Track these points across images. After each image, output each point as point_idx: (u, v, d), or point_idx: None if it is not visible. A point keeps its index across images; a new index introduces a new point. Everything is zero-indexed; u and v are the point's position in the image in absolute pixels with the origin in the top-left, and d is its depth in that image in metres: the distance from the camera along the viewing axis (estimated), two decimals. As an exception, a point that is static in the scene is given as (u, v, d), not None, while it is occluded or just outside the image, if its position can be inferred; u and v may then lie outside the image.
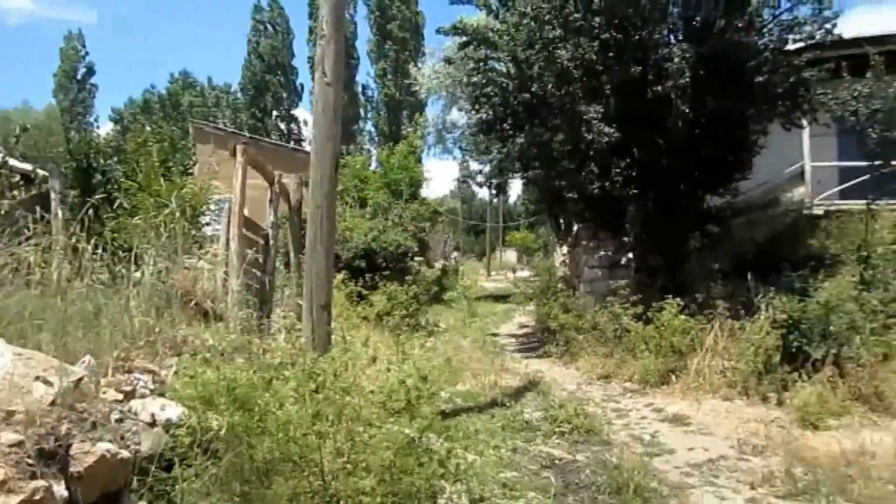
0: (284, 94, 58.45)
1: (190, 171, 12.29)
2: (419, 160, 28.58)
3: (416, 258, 17.48)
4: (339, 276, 11.36)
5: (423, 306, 13.56)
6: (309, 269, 6.62)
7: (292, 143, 47.99)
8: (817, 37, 10.85)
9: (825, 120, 11.32)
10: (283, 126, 58.46)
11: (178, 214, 7.00)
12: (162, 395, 3.91)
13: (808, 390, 7.59)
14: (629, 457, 6.02)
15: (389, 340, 9.22)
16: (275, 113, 58.50)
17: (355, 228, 14.11)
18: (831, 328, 8.14)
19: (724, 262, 10.79)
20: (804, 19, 10.91)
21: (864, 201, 10.72)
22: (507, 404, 7.58)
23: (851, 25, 11.47)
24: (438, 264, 24.56)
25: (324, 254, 6.78)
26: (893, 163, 9.74)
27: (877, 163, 9.86)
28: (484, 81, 12.40)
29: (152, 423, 3.53)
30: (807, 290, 8.96)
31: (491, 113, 12.44)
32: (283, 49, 57.36)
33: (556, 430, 6.81)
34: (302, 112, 58.91)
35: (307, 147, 25.22)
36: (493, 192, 21.41)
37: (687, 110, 10.21)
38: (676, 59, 9.97)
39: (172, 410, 3.66)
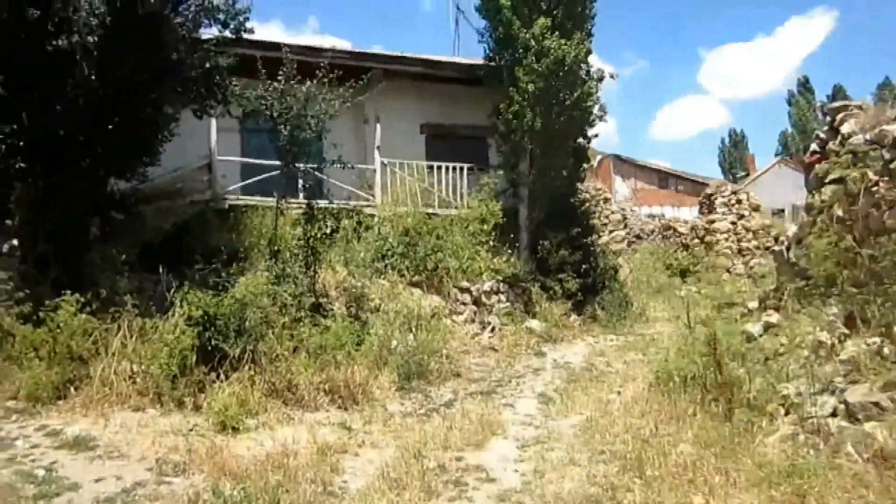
0: None
1: None
2: None
3: None
4: None
5: None
6: None
7: None
8: (231, 26, 10.67)
9: (237, 112, 11.27)
10: None
11: None
12: None
13: (227, 391, 7.22)
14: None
15: None
16: None
17: None
18: (247, 324, 7.95)
19: (130, 252, 9.68)
20: (220, 5, 10.60)
21: (268, 198, 10.97)
22: None
23: (270, 29, 11.70)
24: None
25: None
26: (299, 164, 10.14)
27: (287, 160, 10.11)
28: None
29: None
30: (221, 285, 8.62)
31: None
32: None
33: None
34: None
35: None
36: None
37: (93, 77, 8.82)
38: (85, 13, 8.49)
39: None
